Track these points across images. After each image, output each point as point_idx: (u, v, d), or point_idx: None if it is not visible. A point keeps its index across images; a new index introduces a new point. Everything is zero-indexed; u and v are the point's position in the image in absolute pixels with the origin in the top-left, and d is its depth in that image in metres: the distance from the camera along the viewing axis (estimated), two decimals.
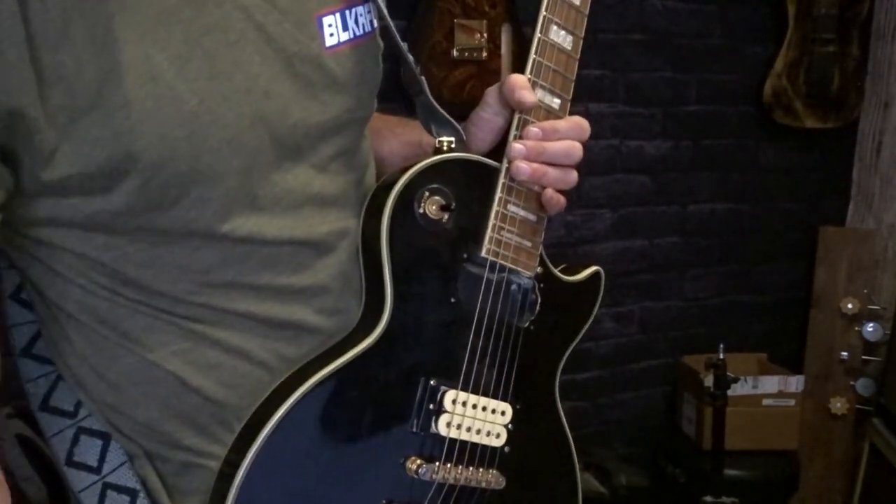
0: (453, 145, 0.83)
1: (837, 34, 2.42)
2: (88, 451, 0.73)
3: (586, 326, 0.92)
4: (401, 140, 0.91)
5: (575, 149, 0.80)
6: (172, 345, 0.70)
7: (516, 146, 0.79)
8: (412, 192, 0.76)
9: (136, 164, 0.62)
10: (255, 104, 0.68)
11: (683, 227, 2.53)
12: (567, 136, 0.80)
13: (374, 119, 0.85)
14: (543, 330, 0.86)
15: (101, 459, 0.72)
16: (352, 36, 0.76)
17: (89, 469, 0.72)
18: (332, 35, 0.75)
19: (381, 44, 0.82)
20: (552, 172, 0.80)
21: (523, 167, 0.78)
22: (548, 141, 0.79)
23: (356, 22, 0.77)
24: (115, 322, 0.70)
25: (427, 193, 0.76)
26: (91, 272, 0.68)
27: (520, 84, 0.79)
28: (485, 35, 2.00)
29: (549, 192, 0.81)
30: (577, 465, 0.92)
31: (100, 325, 0.70)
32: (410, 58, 0.83)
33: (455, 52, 1.98)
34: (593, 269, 0.92)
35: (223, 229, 0.68)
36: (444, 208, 0.77)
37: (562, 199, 0.82)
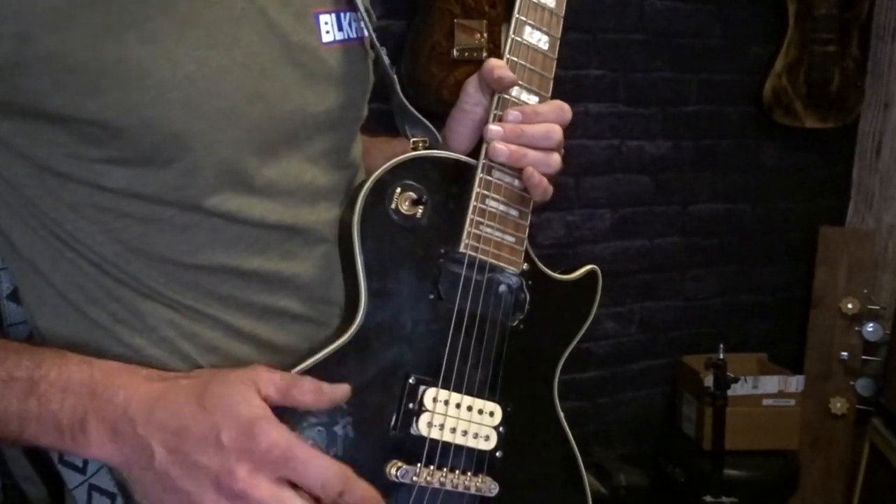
0: (427, 144, 0.83)
1: (837, 34, 2.42)
2: None
3: (584, 327, 0.90)
4: (385, 155, 0.92)
5: (554, 131, 0.80)
6: (158, 331, 0.70)
7: (493, 127, 0.78)
8: (383, 188, 0.76)
9: (129, 120, 0.63)
10: (253, 81, 0.69)
11: (683, 227, 2.53)
12: (548, 119, 0.80)
13: (363, 141, 0.86)
14: (535, 329, 0.85)
15: (85, 461, 0.71)
16: (346, 37, 0.79)
17: (77, 469, 0.72)
18: (327, 32, 0.77)
19: (372, 52, 0.83)
20: (532, 154, 0.79)
21: (501, 148, 0.77)
22: (528, 124, 0.79)
23: (350, 25, 0.79)
24: (103, 303, 0.70)
25: (399, 190, 0.76)
26: (76, 246, 0.68)
27: (498, 63, 0.79)
28: (485, 35, 2.00)
29: (530, 169, 0.79)
30: (584, 474, 0.89)
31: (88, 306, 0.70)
32: (385, 57, 0.83)
33: (455, 52, 1.97)
34: (588, 267, 0.90)
35: (211, 201, 0.68)
36: (416, 203, 0.77)
37: (545, 182, 0.80)
